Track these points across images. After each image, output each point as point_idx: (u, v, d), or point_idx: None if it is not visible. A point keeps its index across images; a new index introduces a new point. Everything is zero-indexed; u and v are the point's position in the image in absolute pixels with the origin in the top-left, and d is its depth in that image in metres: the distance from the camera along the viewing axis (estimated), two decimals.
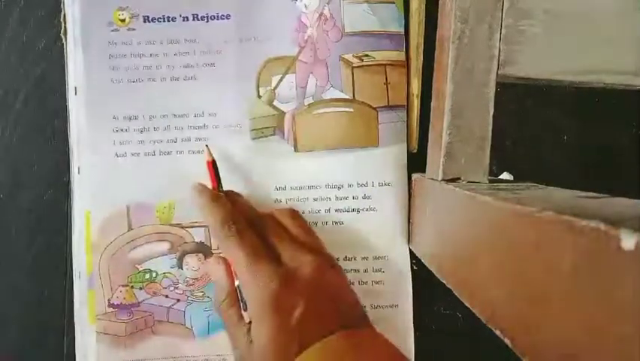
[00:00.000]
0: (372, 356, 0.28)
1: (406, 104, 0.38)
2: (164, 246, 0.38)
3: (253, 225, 0.34)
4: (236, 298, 0.33)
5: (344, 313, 0.31)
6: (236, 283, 0.33)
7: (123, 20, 0.38)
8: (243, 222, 0.33)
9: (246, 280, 0.31)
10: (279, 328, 0.29)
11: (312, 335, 0.29)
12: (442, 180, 0.31)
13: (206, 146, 0.37)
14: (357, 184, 0.38)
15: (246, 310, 0.32)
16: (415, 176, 0.38)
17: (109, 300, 0.37)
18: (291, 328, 0.29)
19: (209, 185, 0.36)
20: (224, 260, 0.35)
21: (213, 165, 0.36)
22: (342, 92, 0.38)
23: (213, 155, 0.37)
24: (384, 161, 0.38)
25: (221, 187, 0.36)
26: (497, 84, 0.30)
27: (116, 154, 0.38)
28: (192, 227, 0.38)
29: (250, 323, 0.31)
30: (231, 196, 0.36)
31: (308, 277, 0.31)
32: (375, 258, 0.39)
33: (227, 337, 0.37)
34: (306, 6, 0.38)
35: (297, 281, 0.31)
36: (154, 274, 0.38)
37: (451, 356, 0.41)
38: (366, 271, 0.39)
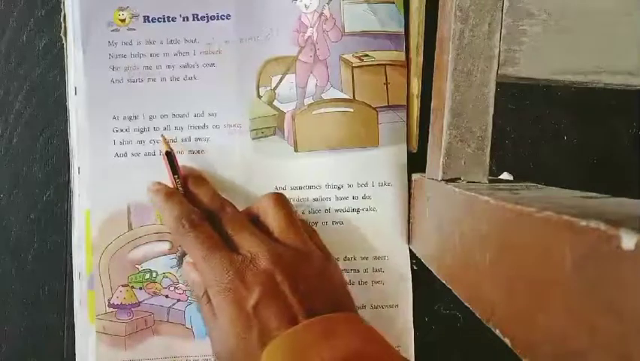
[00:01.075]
0: (345, 343, 0.27)
1: (406, 104, 0.38)
2: (164, 246, 0.38)
3: (212, 215, 0.34)
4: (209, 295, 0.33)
5: (315, 302, 0.30)
6: None
7: (123, 20, 0.38)
8: (197, 216, 0.33)
9: (204, 273, 0.31)
10: (235, 316, 0.29)
11: (272, 321, 0.29)
12: (442, 180, 0.31)
13: (162, 136, 0.37)
14: (357, 184, 0.38)
15: None
16: (415, 176, 0.38)
17: (109, 300, 0.37)
18: (248, 315, 0.29)
19: (155, 185, 0.36)
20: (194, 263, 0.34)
21: (169, 157, 0.35)
22: (342, 92, 0.38)
23: (170, 146, 0.36)
24: (384, 161, 0.38)
25: (179, 180, 0.35)
26: (497, 84, 0.30)
27: (116, 154, 0.38)
28: None
29: None
30: (192, 184, 0.35)
31: (264, 265, 0.30)
32: (375, 258, 0.39)
33: None
34: (306, 6, 0.38)
35: (252, 270, 0.30)
36: (154, 274, 0.38)
37: (451, 356, 0.41)
38: (366, 271, 0.39)
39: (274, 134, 0.38)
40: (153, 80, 0.38)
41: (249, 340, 0.29)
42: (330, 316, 0.29)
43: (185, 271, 0.35)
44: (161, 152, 0.38)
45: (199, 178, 0.37)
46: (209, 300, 0.32)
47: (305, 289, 0.30)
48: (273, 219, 0.34)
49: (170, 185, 0.36)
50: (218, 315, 0.30)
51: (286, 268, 0.31)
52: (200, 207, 0.34)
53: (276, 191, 0.36)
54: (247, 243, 0.32)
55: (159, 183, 0.36)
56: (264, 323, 0.29)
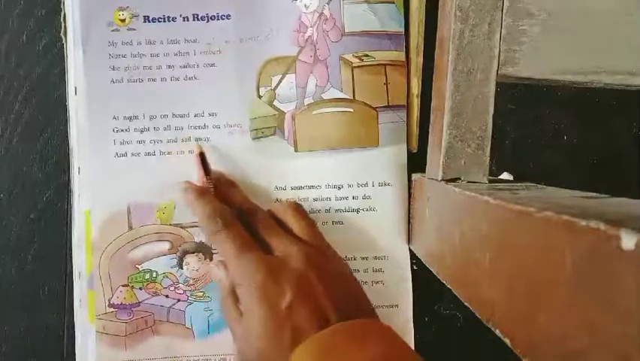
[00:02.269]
0: (372, 349, 0.27)
1: (406, 104, 0.38)
2: (165, 246, 0.38)
3: (244, 217, 0.34)
4: (236, 294, 0.33)
5: (342, 301, 0.31)
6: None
7: (123, 20, 0.38)
8: (230, 215, 0.33)
9: (235, 272, 0.31)
10: (267, 316, 0.29)
11: (304, 322, 0.29)
12: (442, 180, 0.31)
13: (196, 140, 0.37)
14: (357, 184, 0.38)
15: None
16: (415, 176, 0.38)
17: (109, 300, 0.37)
18: (280, 315, 0.29)
19: (186, 184, 0.36)
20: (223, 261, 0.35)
21: (202, 157, 0.36)
22: (342, 92, 0.38)
23: (203, 149, 0.37)
24: (384, 161, 0.38)
25: (210, 180, 0.36)
26: (497, 84, 0.30)
27: (116, 154, 0.38)
28: (192, 227, 0.38)
29: None
30: (222, 187, 0.36)
31: (297, 266, 0.31)
32: (375, 258, 0.39)
33: (227, 337, 0.37)
34: (306, 6, 0.38)
35: (285, 271, 0.30)
36: (154, 274, 0.38)
37: (450, 356, 0.41)
38: (366, 271, 0.38)
39: (274, 134, 0.38)
40: (153, 80, 0.38)
41: (280, 340, 0.29)
42: (362, 321, 0.29)
43: (212, 269, 0.35)
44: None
45: (229, 181, 0.37)
46: (235, 300, 0.32)
47: (335, 291, 0.31)
48: (294, 223, 0.34)
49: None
50: (248, 315, 0.30)
51: (318, 269, 0.31)
52: (231, 208, 0.35)
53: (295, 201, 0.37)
54: (279, 244, 0.32)
55: (189, 182, 0.36)
56: (296, 323, 0.29)
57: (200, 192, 0.35)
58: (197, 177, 0.37)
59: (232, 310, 0.32)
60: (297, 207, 0.36)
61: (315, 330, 0.28)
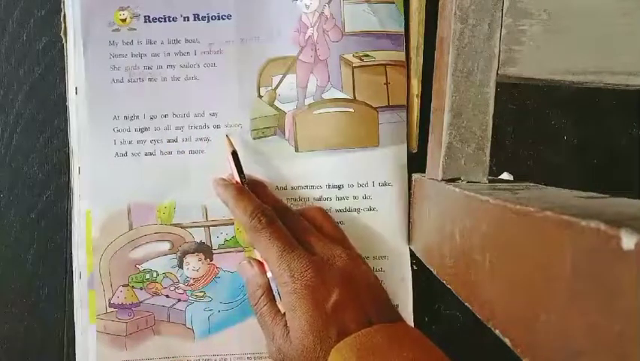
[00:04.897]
0: (411, 351, 0.27)
1: (406, 104, 0.38)
2: (165, 246, 0.38)
3: (281, 216, 0.34)
4: (272, 292, 0.33)
5: (380, 304, 0.31)
6: (268, 274, 0.34)
7: (124, 20, 0.38)
8: (272, 213, 0.33)
9: (279, 271, 0.31)
10: (314, 315, 0.29)
11: (350, 321, 0.29)
12: (442, 180, 0.31)
13: (227, 136, 0.37)
14: (357, 184, 0.38)
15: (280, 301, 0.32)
16: (415, 176, 0.38)
17: (109, 300, 0.37)
18: (327, 314, 0.29)
19: (223, 181, 0.36)
20: (255, 260, 0.35)
21: (235, 156, 0.36)
22: (342, 92, 0.38)
23: (235, 147, 0.37)
24: (384, 161, 0.38)
25: (244, 178, 0.36)
26: (497, 84, 0.30)
27: (117, 154, 0.38)
28: (192, 227, 0.38)
29: (285, 313, 0.31)
30: (256, 187, 0.36)
31: (342, 267, 0.31)
32: (375, 258, 0.39)
33: (227, 337, 0.37)
34: (306, 6, 0.38)
35: (332, 270, 0.31)
36: (154, 274, 0.38)
37: (450, 355, 0.40)
38: None
39: (275, 134, 0.38)
40: (154, 80, 0.38)
41: (326, 339, 0.29)
42: (403, 324, 0.30)
43: (243, 267, 0.35)
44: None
45: (259, 181, 0.37)
46: (271, 298, 0.33)
47: (376, 293, 0.32)
48: (327, 227, 0.35)
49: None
50: (291, 313, 0.30)
51: (361, 271, 0.32)
52: None
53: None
54: (319, 245, 0.33)
55: (224, 179, 0.36)
56: (342, 323, 0.29)
57: (240, 190, 0.35)
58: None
59: (269, 309, 0.32)
60: (326, 212, 0.36)
61: (360, 329, 0.28)
